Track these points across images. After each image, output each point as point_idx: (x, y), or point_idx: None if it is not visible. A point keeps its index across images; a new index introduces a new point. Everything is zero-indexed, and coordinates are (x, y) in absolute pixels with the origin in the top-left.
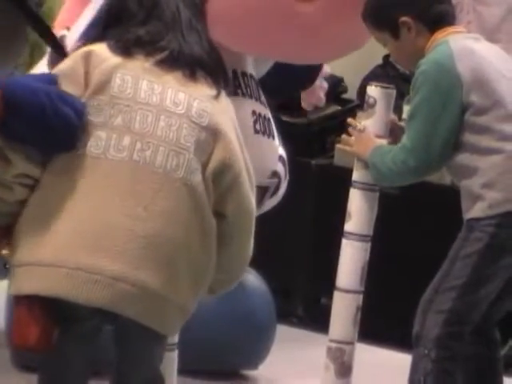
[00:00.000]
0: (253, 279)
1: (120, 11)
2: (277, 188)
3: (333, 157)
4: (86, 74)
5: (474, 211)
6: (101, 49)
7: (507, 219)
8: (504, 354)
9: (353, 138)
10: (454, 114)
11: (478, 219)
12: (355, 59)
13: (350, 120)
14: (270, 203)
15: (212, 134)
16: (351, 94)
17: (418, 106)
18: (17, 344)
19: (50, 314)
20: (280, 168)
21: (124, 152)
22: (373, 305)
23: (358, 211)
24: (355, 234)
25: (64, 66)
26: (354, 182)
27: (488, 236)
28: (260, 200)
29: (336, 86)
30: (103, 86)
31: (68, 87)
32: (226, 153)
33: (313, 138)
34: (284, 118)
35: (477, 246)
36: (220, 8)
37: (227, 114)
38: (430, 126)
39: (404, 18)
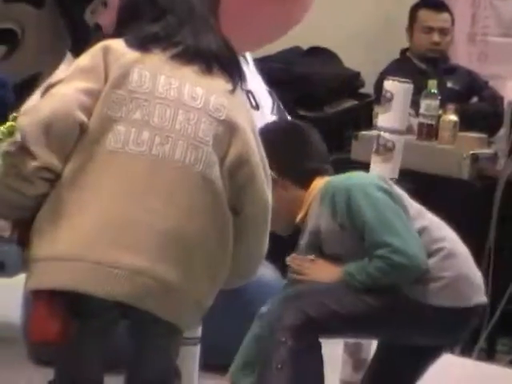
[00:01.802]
0: (270, 273)
1: (135, 8)
2: None
3: (350, 151)
4: (106, 67)
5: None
6: (118, 44)
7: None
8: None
9: (305, 266)
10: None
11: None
12: (372, 53)
13: (292, 257)
14: None
15: (229, 129)
16: (368, 88)
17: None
18: (36, 338)
19: (68, 308)
20: None
21: (143, 146)
22: None
23: None
24: None
25: (84, 60)
26: None
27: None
28: None
29: (353, 81)
30: (121, 80)
31: (89, 81)
32: (243, 148)
33: (330, 133)
34: (301, 113)
35: (387, 303)
36: None
37: (243, 109)
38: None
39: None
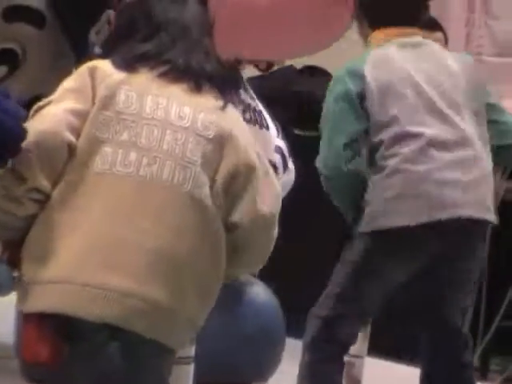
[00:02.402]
0: (263, 293)
1: (131, 26)
2: None
3: None
4: (93, 88)
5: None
6: (104, 65)
7: (376, 238)
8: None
9: None
10: (355, 121)
11: (360, 233)
12: None
13: None
14: None
15: (219, 145)
16: None
17: (326, 109)
18: (27, 360)
19: (59, 330)
20: (276, 158)
21: (130, 167)
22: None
23: None
24: None
25: (71, 81)
26: None
27: (362, 251)
28: None
29: None
30: (108, 101)
31: (77, 102)
32: (235, 161)
33: None
34: (296, 132)
35: (352, 257)
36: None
37: (235, 123)
38: (336, 122)
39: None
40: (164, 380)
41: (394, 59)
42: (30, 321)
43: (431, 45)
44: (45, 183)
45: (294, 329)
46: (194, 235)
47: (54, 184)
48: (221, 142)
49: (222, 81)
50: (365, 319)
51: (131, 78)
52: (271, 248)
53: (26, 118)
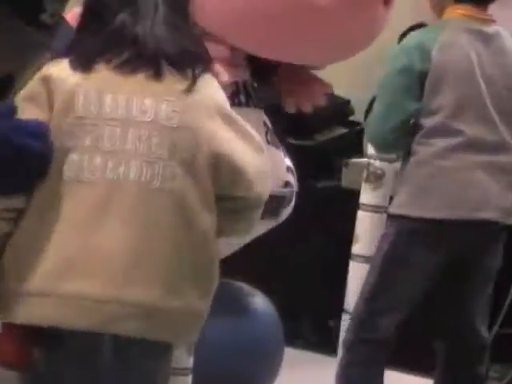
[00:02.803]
0: (261, 302)
1: (86, 18)
2: (291, 197)
3: (340, 179)
4: (49, 96)
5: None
6: (60, 68)
7: (404, 226)
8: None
9: None
10: (416, 91)
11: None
12: (362, 81)
13: None
14: (285, 213)
15: (189, 132)
16: (358, 116)
17: (386, 80)
18: None
19: (29, 330)
20: (290, 178)
21: (97, 172)
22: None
23: (366, 233)
24: (362, 256)
25: (26, 91)
26: (362, 204)
27: (388, 244)
28: (277, 209)
29: (343, 109)
30: (67, 108)
31: (34, 112)
32: (214, 147)
33: (320, 161)
34: (290, 141)
35: (379, 253)
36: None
37: (206, 105)
38: (393, 99)
39: None
40: (162, 381)
41: (462, 48)
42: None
43: (504, 38)
44: (16, 202)
45: (293, 338)
46: (173, 228)
47: (26, 200)
48: (190, 128)
49: (187, 59)
50: (400, 312)
51: (88, 77)
52: (254, 225)
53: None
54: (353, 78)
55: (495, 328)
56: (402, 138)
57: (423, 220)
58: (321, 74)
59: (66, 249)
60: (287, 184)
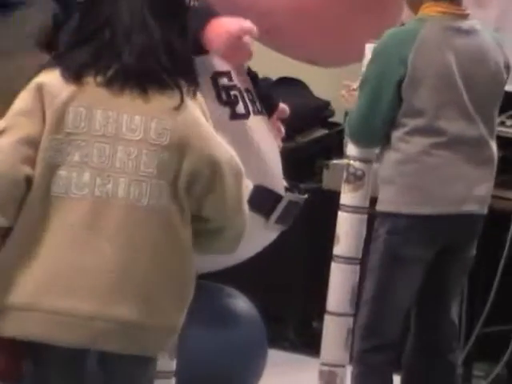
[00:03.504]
0: (243, 304)
1: (77, 30)
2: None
3: (321, 181)
4: (43, 110)
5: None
6: (53, 79)
7: (396, 224)
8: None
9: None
10: (393, 97)
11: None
12: (342, 82)
13: (346, 82)
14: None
15: (176, 151)
16: (338, 117)
17: (366, 80)
18: None
19: (20, 344)
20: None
21: (85, 189)
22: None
23: (347, 234)
24: (344, 257)
25: (21, 104)
26: (342, 205)
27: (382, 244)
28: (293, 214)
29: (323, 110)
30: (58, 124)
31: (30, 127)
32: (193, 164)
33: (301, 162)
34: None
35: (375, 255)
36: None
37: (191, 124)
38: (371, 102)
39: None
40: None
41: (440, 49)
42: None
43: (482, 33)
44: (2, 220)
45: (276, 340)
46: (157, 246)
47: (15, 215)
48: (178, 148)
49: (172, 80)
50: (404, 311)
51: (79, 92)
52: (242, 237)
53: None
54: (333, 80)
55: (478, 327)
56: (382, 134)
57: (413, 216)
58: (302, 75)
59: (53, 265)
60: (295, 185)
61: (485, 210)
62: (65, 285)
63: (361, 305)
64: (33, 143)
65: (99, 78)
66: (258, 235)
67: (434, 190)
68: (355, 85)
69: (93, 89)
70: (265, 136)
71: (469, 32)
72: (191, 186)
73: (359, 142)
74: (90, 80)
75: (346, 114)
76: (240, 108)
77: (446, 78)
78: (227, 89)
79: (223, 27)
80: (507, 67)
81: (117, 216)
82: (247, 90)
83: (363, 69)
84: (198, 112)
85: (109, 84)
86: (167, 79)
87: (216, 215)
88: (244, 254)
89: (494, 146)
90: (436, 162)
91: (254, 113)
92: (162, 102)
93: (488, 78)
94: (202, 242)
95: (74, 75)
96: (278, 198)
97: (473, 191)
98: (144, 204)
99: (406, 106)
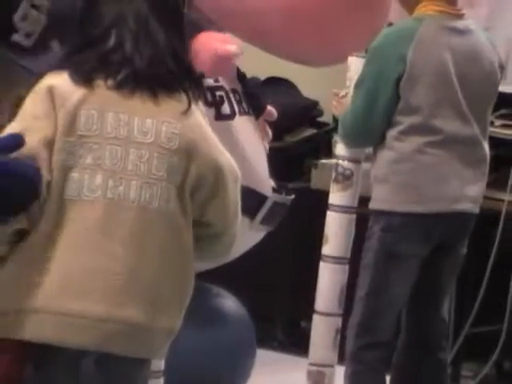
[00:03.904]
0: (232, 305)
1: (83, 32)
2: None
3: (310, 180)
4: (55, 112)
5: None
6: (63, 82)
7: (390, 222)
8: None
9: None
10: (391, 94)
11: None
12: (330, 82)
13: (334, 90)
14: None
15: (184, 155)
16: (327, 117)
17: (363, 78)
18: None
19: (23, 347)
20: (273, 182)
21: (98, 191)
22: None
23: (335, 234)
24: (332, 257)
25: (33, 106)
26: (331, 204)
27: (377, 242)
28: (279, 215)
29: (311, 110)
30: (69, 126)
31: (46, 132)
32: (199, 169)
33: (289, 162)
34: None
35: (369, 253)
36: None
37: (198, 127)
38: (369, 100)
39: None
40: None
41: (437, 47)
42: None
43: (477, 33)
44: (25, 224)
45: (264, 340)
46: (165, 250)
47: (36, 222)
48: (186, 153)
49: (180, 81)
50: (398, 308)
51: (90, 94)
52: (235, 241)
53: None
54: (321, 80)
55: (467, 326)
56: (379, 133)
57: (408, 214)
58: (289, 75)
59: (67, 268)
60: (283, 186)
61: (477, 210)
62: (77, 287)
63: (355, 302)
64: (49, 146)
65: (110, 82)
66: (243, 236)
67: (428, 188)
68: (343, 92)
69: (104, 92)
70: (250, 137)
71: (464, 32)
72: (196, 191)
73: (354, 141)
74: (100, 83)
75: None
76: (225, 108)
77: (443, 76)
78: (212, 89)
79: (211, 46)
80: (501, 67)
81: (128, 218)
82: (234, 91)
83: (348, 82)
84: (202, 117)
85: (119, 87)
86: (175, 84)
87: (217, 221)
88: (230, 255)
89: (486, 146)
90: (430, 161)
91: (240, 113)
92: (171, 106)
93: (482, 78)
94: (202, 246)
95: (84, 78)
96: (262, 198)
97: (466, 190)
98: (155, 207)
99: (402, 104)
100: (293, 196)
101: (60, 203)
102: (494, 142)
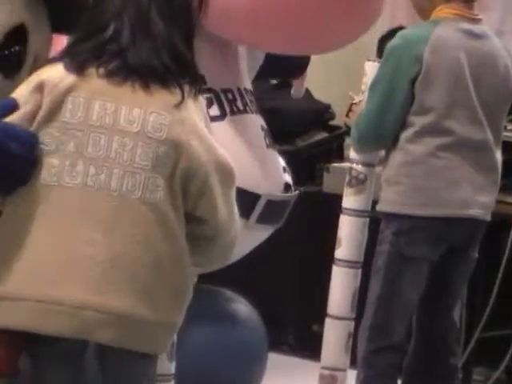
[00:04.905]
0: (244, 308)
1: (84, 23)
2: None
3: (321, 184)
4: (40, 98)
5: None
6: (55, 72)
7: (402, 225)
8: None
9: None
10: (406, 94)
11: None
12: (342, 85)
13: (350, 93)
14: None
15: (172, 146)
16: (339, 120)
17: (378, 80)
18: None
19: (17, 337)
20: (288, 179)
21: (78, 178)
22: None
23: (348, 238)
24: (346, 261)
25: (19, 91)
26: (344, 208)
27: (388, 245)
28: (281, 214)
29: (323, 113)
30: (55, 112)
31: (22, 110)
32: (189, 162)
33: (301, 165)
34: None
35: (381, 256)
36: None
37: (190, 122)
38: (384, 101)
39: None
40: None
41: (453, 49)
42: None
43: (492, 38)
44: None
45: (276, 343)
46: (151, 240)
47: (2, 200)
48: (174, 144)
49: (175, 75)
50: (410, 312)
51: (80, 81)
52: (234, 246)
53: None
54: (333, 83)
55: (478, 331)
56: (392, 135)
57: (419, 217)
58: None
59: (43, 254)
60: (287, 186)
61: (488, 217)
62: (54, 273)
63: (367, 306)
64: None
65: (101, 70)
66: (242, 236)
67: (439, 192)
68: (357, 99)
69: (94, 80)
70: (242, 135)
71: (480, 36)
72: (186, 185)
73: (368, 144)
74: (92, 71)
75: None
76: (214, 110)
77: (459, 77)
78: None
79: None
80: None
81: (110, 206)
82: (227, 91)
83: (363, 87)
84: (198, 113)
85: (110, 75)
86: (169, 77)
87: (209, 218)
88: (233, 256)
89: (499, 154)
90: (443, 165)
91: (233, 113)
92: (162, 98)
93: (497, 83)
94: (199, 250)
95: (77, 67)
96: (254, 197)
97: (477, 196)
98: (137, 196)
99: (416, 105)
100: (296, 192)
101: (36, 188)
102: (506, 146)
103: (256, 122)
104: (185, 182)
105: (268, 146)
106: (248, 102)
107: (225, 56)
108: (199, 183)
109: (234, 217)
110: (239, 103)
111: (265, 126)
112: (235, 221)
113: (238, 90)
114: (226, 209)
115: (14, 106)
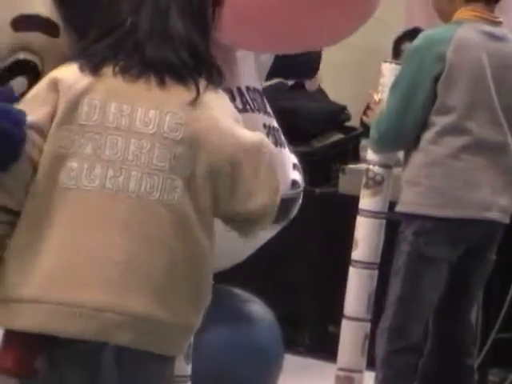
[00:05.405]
0: (259, 309)
1: (98, 23)
2: (300, 197)
3: (337, 185)
4: (56, 99)
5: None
6: (69, 72)
7: (422, 225)
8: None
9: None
10: (429, 93)
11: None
12: (358, 86)
13: (371, 91)
14: (293, 212)
15: (190, 146)
16: (354, 121)
17: (400, 79)
18: None
19: (34, 339)
20: (297, 176)
21: (96, 181)
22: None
23: (365, 239)
24: (362, 262)
25: (35, 91)
26: (361, 209)
27: (408, 245)
28: (286, 212)
29: (339, 114)
30: (71, 114)
31: (39, 112)
32: (210, 159)
33: (316, 167)
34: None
35: (401, 257)
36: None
37: (207, 116)
38: (405, 100)
39: None
40: None
41: (475, 50)
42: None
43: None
44: (10, 202)
45: (292, 344)
46: (169, 241)
47: (21, 202)
48: (191, 141)
49: (191, 71)
50: (428, 313)
51: (95, 82)
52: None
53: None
54: (349, 84)
55: (493, 333)
56: (412, 135)
57: (439, 218)
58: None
59: (62, 256)
60: (294, 183)
61: (507, 220)
62: (74, 276)
63: (386, 307)
64: (41, 131)
65: (117, 68)
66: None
67: (459, 193)
68: (377, 97)
69: (109, 79)
70: None
71: (501, 38)
72: (214, 184)
73: (387, 143)
74: (107, 70)
75: (361, 121)
76: None
77: (480, 78)
78: None
79: None
80: None
81: (128, 208)
82: (225, 90)
83: (380, 87)
84: (220, 107)
85: (125, 72)
86: (185, 73)
87: (256, 208)
88: (239, 255)
89: None
90: (462, 166)
91: (243, 110)
92: (178, 94)
93: None
94: (243, 226)
95: (92, 67)
96: None
97: (497, 199)
98: (155, 197)
99: (439, 103)
100: (301, 188)
101: (54, 191)
102: None
103: (257, 120)
104: (211, 181)
105: (273, 144)
106: (249, 100)
107: (223, 55)
108: (228, 180)
109: (276, 190)
110: (238, 102)
111: (271, 125)
112: (276, 185)
113: (238, 89)
114: (270, 186)
115: (14, 97)
